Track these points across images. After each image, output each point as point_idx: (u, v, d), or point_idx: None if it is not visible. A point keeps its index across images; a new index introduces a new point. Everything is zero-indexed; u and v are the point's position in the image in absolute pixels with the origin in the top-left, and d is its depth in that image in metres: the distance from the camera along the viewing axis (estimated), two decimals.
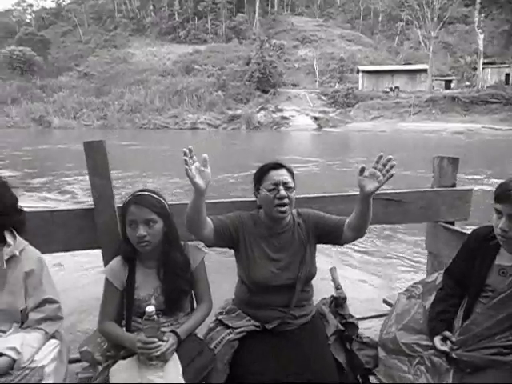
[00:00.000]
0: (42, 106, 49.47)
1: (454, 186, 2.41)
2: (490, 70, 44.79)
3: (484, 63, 44.03)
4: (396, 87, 45.74)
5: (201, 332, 1.91)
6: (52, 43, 72.04)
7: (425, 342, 1.80)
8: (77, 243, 1.97)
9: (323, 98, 46.53)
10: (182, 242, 1.87)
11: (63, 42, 75.26)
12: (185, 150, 1.53)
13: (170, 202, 1.86)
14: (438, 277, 2.02)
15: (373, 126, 39.27)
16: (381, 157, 1.64)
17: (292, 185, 1.82)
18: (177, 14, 71.68)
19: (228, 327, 1.88)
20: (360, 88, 47.60)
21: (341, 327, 1.98)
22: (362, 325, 2.26)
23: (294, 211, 1.94)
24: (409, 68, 49.46)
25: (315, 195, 2.14)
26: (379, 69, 49.40)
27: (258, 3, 69.30)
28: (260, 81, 47.35)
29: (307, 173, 13.57)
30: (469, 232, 1.98)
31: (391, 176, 1.63)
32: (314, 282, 1.99)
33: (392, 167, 1.63)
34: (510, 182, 1.65)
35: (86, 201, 9.32)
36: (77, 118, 48.09)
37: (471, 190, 2.41)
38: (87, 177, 1.88)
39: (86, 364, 1.75)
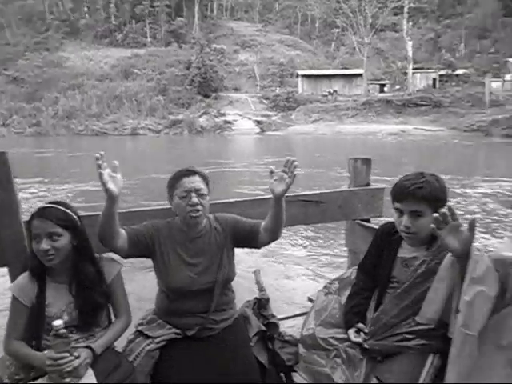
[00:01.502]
0: None
1: (368, 185, 2.54)
2: (419, 74, 47.60)
3: (413, 68, 46.71)
4: (334, 91, 47.33)
5: (123, 346, 1.87)
6: None
7: (341, 336, 1.87)
8: None
9: (265, 101, 47.16)
10: (97, 255, 1.81)
11: None
12: (97, 154, 1.52)
13: (82, 214, 1.80)
14: (352, 272, 2.12)
15: (314, 128, 40.33)
16: (287, 161, 1.72)
17: (205, 191, 1.83)
18: (113, 17, 69.48)
19: (148, 337, 1.86)
20: (300, 92, 48.75)
21: (263, 328, 2.02)
22: (286, 324, 2.32)
23: (212, 216, 1.96)
24: (345, 72, 51.38)
25: (234, 200, 2.18)
26: (317, 73, 50.90)
27: (196, 7, 68.97)
28: (201, 85, 47.08)
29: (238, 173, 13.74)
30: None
31: (295, 176, 1.72)
32: (240, 285, 2.02)
33: (295, 168, 1.72)
34: (404, 180, 1.76)
35: None
36: (6, 125, 45.13)
37: (383, 188, 2.56)
38: None
39: None
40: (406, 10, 50.78)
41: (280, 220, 1.82)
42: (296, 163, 1.72)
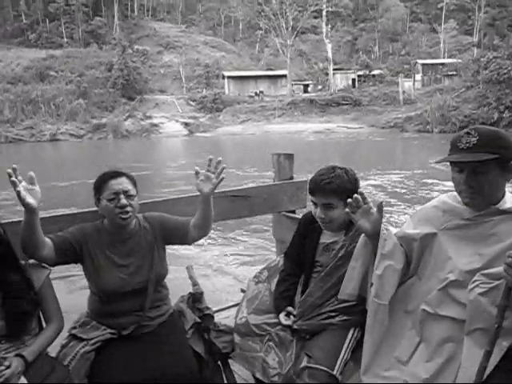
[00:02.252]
0: None
1: (291, 178, 2.71)
2: (339, 75, 50.01)
3: (334, 69, 48.93)
4: (260, 92, 48.17)
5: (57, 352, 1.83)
6: None
7: (272, 320, 1.99)
8: None
9: (192, 103, 46.73)
10: (23, 262, 1.77)
11: None
12: (9, 171, 1.48)
13: (4, 221, 1.75)
14: (279, 260, 2.25)
15: (242, 129, 40.77)
16: (211, 160, 1.79)
17: (133, 192, 1.86)
18: (24, 15, 64.78)
19: (82, 340, 1.84)
20: (227, 93, 48.95)
21: (198, 320, 2.09)
22: (221, 315, 2.41)
23: (140, 216, 1.99)
24: (270, 73, 52.53)
25: (162, 199, 2.22)
26: (243, 74, 51.48)
27: (116, 7, 66.44)
28: (125, 88, 45.42)
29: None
30: None
31: (222, 179, 1.80)
32: (174, 281, 2.06)
33: (222, 170, 1.80)
34: (317, 175, 1.94)
35: None
36: None
37: (306, 180, 2.74)
38: None
39: None
40: (324, 13, 53.02)
41: (209, 217, 1.91)
42: (224, 165, 1.80)
